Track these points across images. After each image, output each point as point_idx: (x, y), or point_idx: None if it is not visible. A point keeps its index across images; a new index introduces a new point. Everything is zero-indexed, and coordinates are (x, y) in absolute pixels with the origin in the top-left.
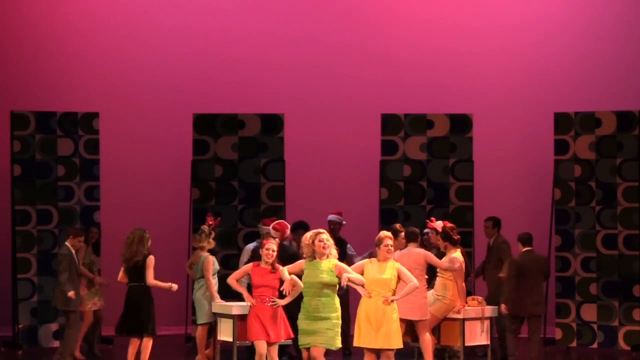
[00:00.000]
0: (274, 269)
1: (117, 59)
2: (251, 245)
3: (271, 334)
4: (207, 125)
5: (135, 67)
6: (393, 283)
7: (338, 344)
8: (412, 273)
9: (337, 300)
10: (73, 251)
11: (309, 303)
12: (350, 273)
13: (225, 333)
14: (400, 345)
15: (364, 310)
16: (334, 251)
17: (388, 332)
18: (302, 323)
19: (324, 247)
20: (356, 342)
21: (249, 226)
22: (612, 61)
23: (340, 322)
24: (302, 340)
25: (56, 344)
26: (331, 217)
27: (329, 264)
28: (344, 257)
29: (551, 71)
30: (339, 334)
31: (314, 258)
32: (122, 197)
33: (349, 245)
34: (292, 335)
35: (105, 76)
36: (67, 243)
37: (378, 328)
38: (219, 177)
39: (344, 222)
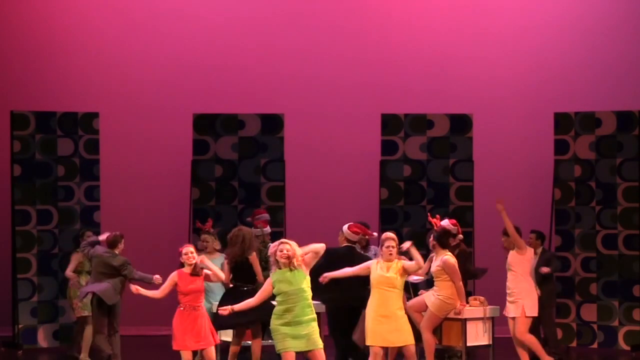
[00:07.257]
0: (195, 272)
1: (117, 59)
2: None
3: (201, 343)
4: (207, 125)
5: (135, 67)
6: (398, 281)
7: (321, 343)
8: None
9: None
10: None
11: (289, 311)
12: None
13: (225, 333)
14: (412, 342)
15: (372, 308)
16: (299, 258)
17: (399, 329)
18: (283, 329)
19: (281, 258)
20: (369, 341)
21: (248, 226)
22: (612, 61)
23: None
24: (288, 344)
25: (56, 344)
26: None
27: (302, 271)
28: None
29: (551, 71)
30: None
31: (280, 268)
32: (122, 197)
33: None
34: (218, 341)
35: (105, 76)
36: (117, 252)
37: (389, 325)
38: (219, 177)
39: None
